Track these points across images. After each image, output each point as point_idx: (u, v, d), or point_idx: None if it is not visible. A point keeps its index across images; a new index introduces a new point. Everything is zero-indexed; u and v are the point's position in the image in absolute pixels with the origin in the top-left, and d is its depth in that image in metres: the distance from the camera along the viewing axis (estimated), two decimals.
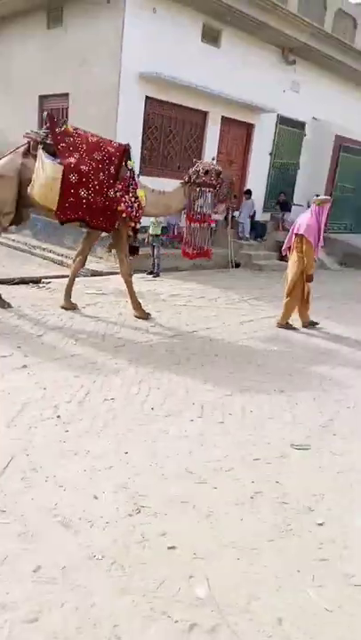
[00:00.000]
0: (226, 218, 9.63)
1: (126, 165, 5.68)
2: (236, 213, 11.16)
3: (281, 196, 12.60)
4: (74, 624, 1.90)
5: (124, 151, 5.69)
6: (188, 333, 5.75)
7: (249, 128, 11.75)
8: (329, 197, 6.66)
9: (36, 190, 5.43)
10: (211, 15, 9.91)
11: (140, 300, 6.32)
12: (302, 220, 6.31)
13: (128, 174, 5.67)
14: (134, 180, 5.74)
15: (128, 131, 9.22)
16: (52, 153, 5.42)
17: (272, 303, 7.72)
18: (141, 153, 9.65)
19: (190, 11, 9.63)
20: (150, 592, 2.08)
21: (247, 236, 11.66)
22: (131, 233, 5.93)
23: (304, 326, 6.53)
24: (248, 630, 1.95)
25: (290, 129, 12.67)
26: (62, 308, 6.10)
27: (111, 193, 5.56)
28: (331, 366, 5.13)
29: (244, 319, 6.63)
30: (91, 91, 9.55)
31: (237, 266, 10.75)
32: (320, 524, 2.61)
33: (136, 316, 6.12)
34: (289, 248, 6.54)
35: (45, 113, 5.76)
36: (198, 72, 10.00)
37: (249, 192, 11.64)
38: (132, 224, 5.77)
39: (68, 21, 9.91)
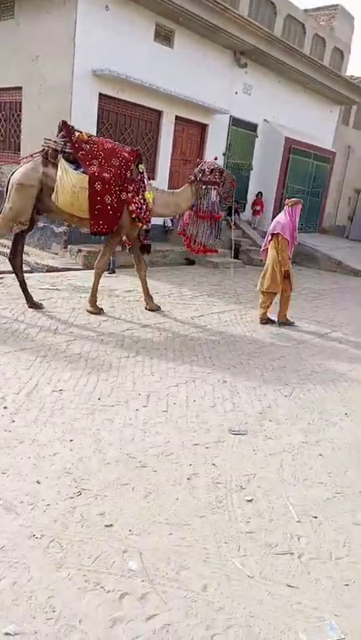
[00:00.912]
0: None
1: (138, 168, 5.99)
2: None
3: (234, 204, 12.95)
4: (10, 597, 2.01)
5: (137, 155, 6.02)
6: (140, 328, 5.88)
7: (203, 128, 11.97)
8: (300, 199, 7.06)
9: (61, 199, 5.64)
10: (163, 15, 10.05)
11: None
12: (275, 220, 6.77)
13: (139, 177, 5.97)
14: (144, 182, 6.03)
15: (82, 127, 9.10)
16: (72, 161, 5.68)
17: (223, 299, 7.96)
18: None
19: (143, 10, 9.74)
20: (85, 566, 2.22)
21: None
22: (142, 233, 6.31)
23: (282, 323, 6.87)
24: (175, 596, 2.12)
25: (243, 130, 12.99)
26: (148, 309, 6.57)
27: (123, 195, 5.84)
28: (272, 358, 5.38)
29: (194, 314, 6.82)
30: (44, 86, 9.52)
31: (192, 263, 10.95)
32: (249, 501, 2.82)
33: (89, 311, 6.23)
34: (267, 249, 6.86)
35: (61, 121, 5.94)
36: (152, 71, 10.12)
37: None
38: (140, 224, 6.08)
39: (20, 14, 9.81)
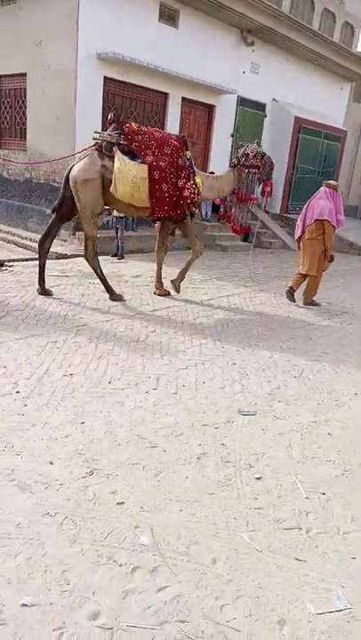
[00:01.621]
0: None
1: (185, 155, 6.19)
2: None
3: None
4: (26, 571, 2.09)
5: (184, 143, 6.28)
6: (149, 312, 5.92)
7: (210, 109, 11.83)
8: (337, 182, 7.30)
9: (121, 190, 5.82)
10: None
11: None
12: (319, 205, 6.67)
13: (188, 163, 6.18)
14: (193, 168, 6.26)
15: (87, 112, 9.20)
16: (126, 152, 5.87)
17: (233, 282, 7.96)
18: None
19: None
20: (98, 542, 2.29)
21: (210, 217, 11.82)
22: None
23: (308, 303, 7.06)
24: (185, 569, 2.18)
25: (251, 110, 12.80)
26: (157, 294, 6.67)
27: (180, 183, 6.11)
28: (281, 340, 5.40)
29: (204, 298, 6.84)
30: (48, 71, 9.46)
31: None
32: (258, 478, 2.86)
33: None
34: (302, 235, 6.88)
35: (112, 114, 6.17)
36: (157, 53, 9.99)
37: (212, 174, 11.75)
38: (194, 209, 6.34)
39: None
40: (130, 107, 10.19)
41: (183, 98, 10.98)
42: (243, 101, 12.42)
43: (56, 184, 9.65)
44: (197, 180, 6.25)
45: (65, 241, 9.67)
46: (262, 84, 12.69)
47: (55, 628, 1.85)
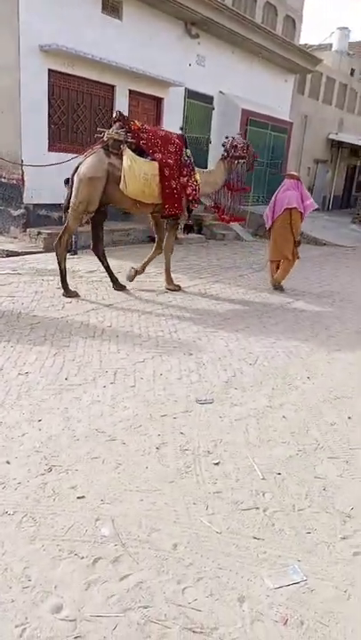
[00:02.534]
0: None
1: (186, 153, 6.40)
2: None
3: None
4: None
5: (185, 140, 6.49)
6: (105, 307, 5.89)
7: (158, 102, 11.79)
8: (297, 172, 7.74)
9: (131, 187, 5.91)
10: None
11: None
12: (287, 195, 7.07)
13: (188, 161, 6.38)
14: (192, 165, 6.47)
15: (33, 105, 8.99)
16: (133, 150, 5.98)
17: (188, 275, 8.02)
18: (49, 128, 9.45)
19: None
20: (59, 537, 2.28)
21: None
22: (187, 213, 6.74)
23: (276, 287, 7.45)
24: (147, 556, 2.22)
25: (199, 103, 12.86)
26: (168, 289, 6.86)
27: (183, 180, 6.31)
28: (236, 329, 5.50)
29: (159, 291, 6.86)
30: None
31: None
32: (216, 464, 2.93)
33: (168, 289, 6.87)
34: (273, 223, 7.27)
35: (118, 112, 6.33)
36: (102, 45, 9.87)
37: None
38: (196, 205, 6.60)
39: None
40: (76, 100, 10.02)
41: (130, 90, 10.89)
42: (190, 94, 12.46)
43: (3, 179, 9.40)
44: (196, 176, 6.48)
45: (15, 238, 9.45)
46: (209, 76, 12.77)
47: (18, 624, 1.84)
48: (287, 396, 3.96)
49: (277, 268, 7.45)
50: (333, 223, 16.76)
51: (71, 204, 6.02)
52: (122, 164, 5.88)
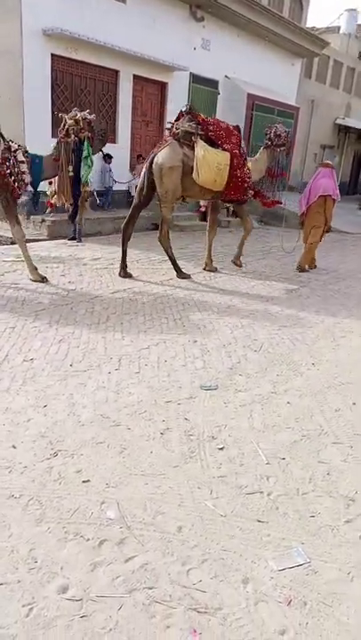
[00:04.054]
0: None
1: (242, 143, 6.86)
2: None
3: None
4: None
5: (239, 131, 6.88)
6: (109, 294, 5.89)
7: (162, 86, 11.67)
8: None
9: (204, 176, 6.31)
10: None
11: (61, 265, 6.39)
12: (322, 183, 7.54)
13: (243, 151, 6.77)
14: (245, 154, 6.88)
15: (36, 91, 8.93)
16: (205, 142, 6.34)
17: (192, 262, 7.98)
18: (52, 114, 9.37)
19: None
20: (64, 519, 2.31)
21: None
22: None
23: (305, 269, 8.00)
24: (152, 539, 2.24)
25: (204, 87, 12.71)
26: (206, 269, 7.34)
27: (245, 169, 6.69)
28: (241, 316, 5.49)
29: (163, 278, 6.85)
30: None
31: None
32: (221, 449, 2.94)
33: (236, 264, 7.55)
34: (307, 210, 7.74)
35: (187, 106, 6.74)
36: (105, 28, 9.75)
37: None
38: (252, 192, 6.98)
39: None
40: (80, 85, 9.94)
41: (134, 75, 10.79)
42: (195, 78, 12.31)
43: None
44: (249, 164, 6.88)
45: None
46: (214, 60, 12.60)
47: (25, 604, 1.87)
48: (292, 382, 3.96)
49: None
50: (340, 209, 16.51)
51: (160, 196, 6.50)
52: (194, 154, 6.27)
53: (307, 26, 16.86)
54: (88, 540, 2.20)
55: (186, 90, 12.19)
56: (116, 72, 10.44)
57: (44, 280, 6.08)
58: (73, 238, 8.84)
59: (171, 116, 11.99)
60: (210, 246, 7.40)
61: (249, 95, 13.47)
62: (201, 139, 6.33)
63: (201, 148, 6.25)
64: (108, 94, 10.53)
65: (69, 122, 6.13)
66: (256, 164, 7.24)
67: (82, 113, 6.42)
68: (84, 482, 2.57)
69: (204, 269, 7.39)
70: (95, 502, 2.43)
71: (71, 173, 6.24)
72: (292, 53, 15.59)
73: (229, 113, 13.35)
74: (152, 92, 11.56)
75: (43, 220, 9.01)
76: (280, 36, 13.91)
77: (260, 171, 7.34)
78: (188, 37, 11.79)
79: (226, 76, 13.24)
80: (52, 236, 8.77)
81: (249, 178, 6.79)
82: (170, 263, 6.98)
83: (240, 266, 7.57)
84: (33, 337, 4.42)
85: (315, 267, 8.22)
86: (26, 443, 2.87)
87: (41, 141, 8.85)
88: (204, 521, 2.37)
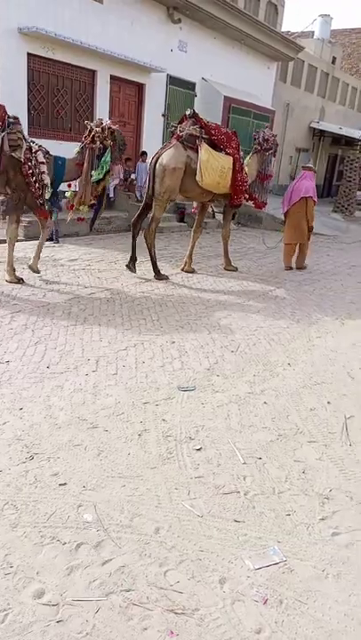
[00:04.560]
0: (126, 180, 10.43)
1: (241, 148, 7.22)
2: (133, 176, 11.21)
3: None
4: None
5: (237, 136, 7.17)
6: (87, 296, 5.85)
7: (140, 88, 11.66)
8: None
9: (207, 179, 6.57)
10: None
11: (38, 266, 6.32)
12: (303, 185, 8.04)
13: (241, 155, 7.10)
14: (242, 160, 7.18)
15: (11, 90, 8.80)
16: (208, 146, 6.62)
17: (170, 263, 7.99)
18: (28, 114, 9.27)
19: None
20: (41, 523, 2.29)
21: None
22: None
23: (299, 268, 8.46)
24: (129, 541, 2.23)
25: (181, 89, 12.74)
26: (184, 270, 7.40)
27: (244, 173, 7.09)
28: (218, 317, 5.52)
29: (141, 279, 6.84)
30: None
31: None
32: (198, 449, 2.96)
33: (227, 269, 7.72)
34: (289, 209, 8.16)
35: (191, 110, 6.98)
36: (82, 28, 9.69)
37: (145, 154, 11.65)
38: (247, 195, 7.44)
39: None
40: (56, 84, 9.85)
41: (112, 76, 10.75)
42: (172, 80, 12.34)
43: None
44: (246, 169, 7.24)
45: None
46: (191, 62, 12.65)
47: (0, 610, 1.85)
48: (268, 382, 4.00)
49: (292, 250, 8.34)
50: (315, 212, 16.84)
51: (156, 194, 6.58)
52: (197, 156, 6.49)
53: (282, 30, 17.07)
54: (65, 543, 2.18)
55: (163, 91, 12.21)
56: (94, 72, 10.39)
57: (20, 281, 6.01)
58: (50, 239, 8.74)
59: (149, 116, 12.03)
60: (192, 247, 7.48)
61: (226, 98, 13.56)
62: (205, 142, 6.56)
63: (205, 152, 6.50)
64: (86, 94, 10.47)
65: (96, 129, 6.20)
66: (248, 168, 7.45)
67: (107, 122, 6.49)
68: (60, 485, 2.55)
69: (183, 270, 7.44)
70: (72, 505, 2.41)
71: (94, 178, 6.26)
72: (268, 57, 15.76)
73: (206, 115, 13.29)
74: (129, 92, 11.54)
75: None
76: (256, 39, 14.04)
77: (252, 175, 7.60)
78: (166, 39, 11.82)
79: (203, 79, 13.30)
80: (28, 237, 8.66)
81: (247, 181, 7.11)
82: (148, 264, 6.97)
83: (235, 269, 7.75)
84: (9, 339, 4.37)
85: (305, 267, 8.57)
86: (1, 446, 2.83)
87: None
88: (182, 522, 2.38)
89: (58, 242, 8.72)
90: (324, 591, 2.06)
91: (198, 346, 4.63)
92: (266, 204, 8.03)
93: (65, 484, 2.56)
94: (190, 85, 13.05)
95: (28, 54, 9.05)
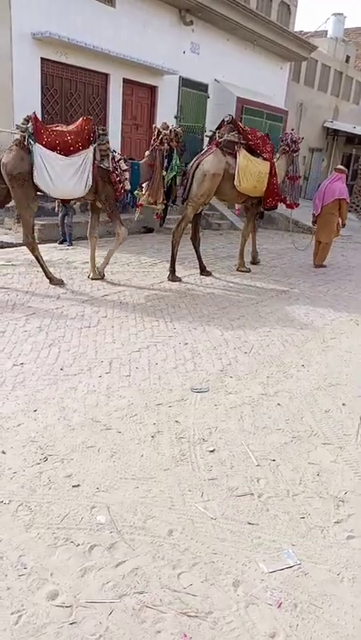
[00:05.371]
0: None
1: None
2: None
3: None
4: None
5: (270, 139, 7.34)
6: (100, 298, 5.88)
7: (152, 90, 11.70)
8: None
9: (245, 184, 6.85)
10: None
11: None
12: (337, 187, 8.29)
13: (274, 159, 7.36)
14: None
15: (26, 95, 8.91)
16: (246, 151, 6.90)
17: (182, 265, 7.98)
18: (42, 118, 9.34)
19: None
20: (54, 525, 2.30)
21: None
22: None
23: (319, 266, 8.70)
24: (143, 543, 2.23)
25: (193, 91, 12.75)
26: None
27: (277, 177, 7.34)
28: (231, 318, 5.50)
29: (154, 281, 6.84)
30: None
31: (150, 231, 10.87)
32: (211, 451, 2.95)
33: (241, 270, 7.76)
34: (321, 212, 8.39)
35: (230, 116, 7.15)
36: (95, 32, 9.76)
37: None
38: (278, 198, 7.57)
39: None
40: (70, 88, 9.93)
41: (124, 79, 10.80)
42: (185, 82, 12.35)
43: None
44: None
45: (10, 229, 9.38)
46: (203, 64, 12.66)
47: (14, 612, 1.86)
48: (282, 383, 3.97)
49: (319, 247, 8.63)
50: None
51: (192, 196, 6.79)
52: (235, 162, 6.74)
53: (295, 30, 16.99)
54: (78, 545, 2.19)
55: (176, 93, 12.24)
56: (106, 75, 10.46)
57: (103, 277, 6.61)
58: (63, 242, 8.81)
59: (161, 118, 12.05)
60: (253, 244, 8.20)
61: (238, 99, 13.53)
62: (243, 148, 6.82)
63: (244, 158, 6.78)
64: (99, 98, 10.53)
65: (165, 132, 6.54)
66: (277, 170, 7.55)
67: (172, 125, 6.89)
68: (74, 486, 2.56)
69: (238, 270, 7.74)
70: (85, 507, 2.42)
71: (166, 178, 6.64)
72: (281, 57, 15.69)
73: (219, 116, 13.36)
74: (142, 95, 11.59)
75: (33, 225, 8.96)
76: (268, 39, 14.00)
77: (281, 175, 7.73)
78: (178, 41, 11.84)
79: (215, 80, 13.30)
80: (42, 240, 8.72)
81: (279, 184, 7.42)
82: (160, 266, 6.98)
83: (248, 270, 7.80)
84: (23, 341, 4.40)
85: (325, 265, 8.79)
86: (15, 448, 2.85)
87: None
88: (195, 524, 2.37)
89: (71, 244, 8.77)
90: (340, 595, 2.03)
91: (211, 347, 4.61)
92: (298, 204, 8.18)
93: (78, 485, 2.57)
94: (203, 87, 13.06)
95: (42, 59, 9.14)
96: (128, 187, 6.27)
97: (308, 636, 1.86)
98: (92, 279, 6.57)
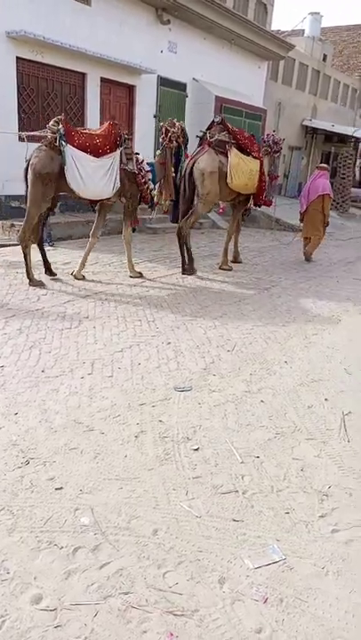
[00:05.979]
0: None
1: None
2: None
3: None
4: None
5: (256, 139, 7.67)
6: (81, 298, 5.83)
7: (130, 90, 11.64)
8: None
9: (237, 181, 7.07)
10: None
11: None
12: (320, 183, 8.68)
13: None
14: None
15: (2, 94, 8.79)
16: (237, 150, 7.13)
17: (165, 264, 7.98)
18: (19, 117, 9.24)
19: None
20: (37, 528, 2.27)
21: None
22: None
23: (308, 259, 9.08)
24: (127, 543, 2.22)
25: (172, 90, 12.72)
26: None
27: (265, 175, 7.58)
28: (214, 317, 5.51)
29: (137, 281, 6.82)
30: None
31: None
32: (196, 450, 2.94)
33: (223, 269, 7.80)
34: (307, 207, 8.78)
35: (219, 117, 7.43)
36: (71, 31, 9.67)
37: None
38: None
39: None
40: (46, 88, 9.82)
41: (102, 78, 10.72)
42: (163, 81, 12.32)
43: None
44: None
45: None
46: (181, 63, 12.64)
47: None
48: (265, 380, 3.99)
49: (307, 243, 9.00)
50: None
51: (200, 195, 7.02)
52: (227, 160, 6.96)
53: (272, 29, 17.09)
54: (62, 547, 2.16)
55: (154, 92, 12.20)
56: (84, 75, 10.37)
57: (141, 275, 6.86)
58: (44, 241, 8.71)
59: (140, 118, 12.02)
60: (236, 244, 8.29)
61: (217, 97, 13.55)
62: (234, 147, 7.05)
63: (235, 156, 7.00)
64: (76, 97, 10.44)
65: (173, 130, 6.71)
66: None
67: (178, 123, 6.99)
68: (57, 489, 2.53)
69: (221, 268, 7.80)
70: (69, 509, 2.39)
71: (174, 174, 6.93)
72: (259, 56, 15.77)
73: (198, 115, 13.41)
74: (120, 94, 11.53)
75: (12, 225, 8.87)
76: (246, 38, 14.05)
77: (265, 176, 7.93)
78: (155, 40, 11.81)
79: (194, 79, 13.29)
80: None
81: (266, 182, 7.66)
82: (142, 266, 6.97)
83: (230, 269, 7.83)
84: (3, 344, 4.34)
85: (312, 259, 9.14)
86: None
87: (7, 145, 8.74)
88: (180, 523, 2.36)
89: (52, 245, 8.69)
90: (325, 589, 2.04)
91: (194, 346, 4.61)
92: (272, 202, 8.38)
93: (61, 488, 2.54)
94: (181, 86, 13.04)
95: (17, 58, 9.02)
96: (151, 186, 6.55)
97: (294, 630, 1.86)
98: (75, 278, 6.54)
